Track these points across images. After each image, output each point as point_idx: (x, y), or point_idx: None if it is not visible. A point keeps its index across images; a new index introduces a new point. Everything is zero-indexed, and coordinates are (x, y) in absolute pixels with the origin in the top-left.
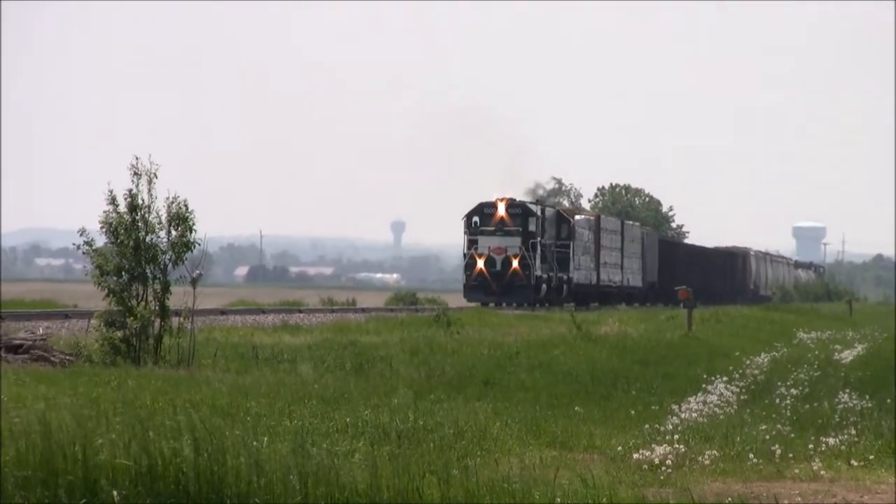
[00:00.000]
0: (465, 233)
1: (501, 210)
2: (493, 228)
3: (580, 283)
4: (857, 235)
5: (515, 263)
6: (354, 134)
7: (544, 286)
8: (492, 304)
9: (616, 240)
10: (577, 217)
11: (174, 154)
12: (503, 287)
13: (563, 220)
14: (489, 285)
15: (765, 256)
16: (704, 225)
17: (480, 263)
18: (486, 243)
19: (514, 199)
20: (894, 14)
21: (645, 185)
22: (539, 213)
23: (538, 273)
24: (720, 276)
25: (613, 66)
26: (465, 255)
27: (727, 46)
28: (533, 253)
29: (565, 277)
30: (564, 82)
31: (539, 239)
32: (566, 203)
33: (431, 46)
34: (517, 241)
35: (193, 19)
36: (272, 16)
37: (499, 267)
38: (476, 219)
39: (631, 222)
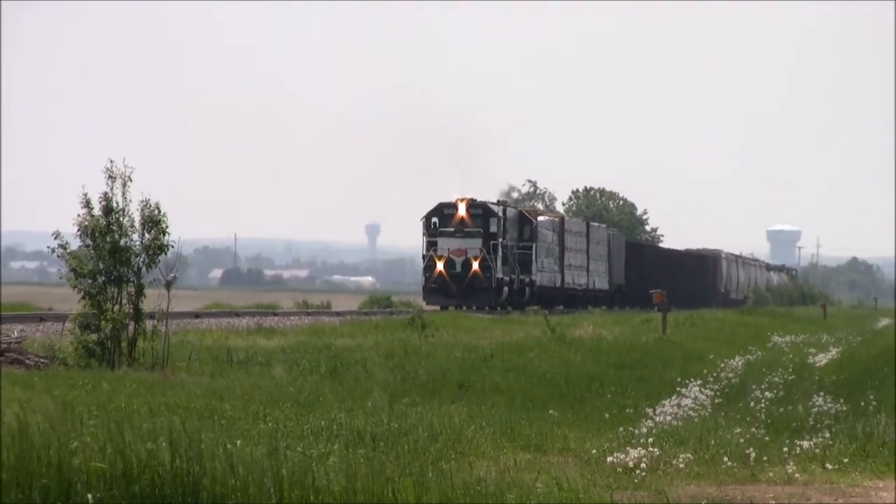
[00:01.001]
0: (423, 234)
1: (462, 210)
2: (452, 229)
3: (543, 286)
4: (831, 239)
5: (476, 265)
6: (328, 136)
7: (506, 289)
8: (452, 308)
9: (581, 241)
10: (540, 218)
11: (149, 157)
12: (463, 290)
13: (525, 220)
14: (449, 288)
15: (736, 259)
16: (679, 229)
17: (440, 265)
18: (446, 245)
19: (475, 200)
20: (869, 18)
21: (620, 188)
22: (500, 213)
23: (499, 275)
24: (690, 278)
25: (589, 70)
26: (424, 256)
27: (702, 51)
28: (494, 255)
29: (528, 280)
30: (540, 86)
31: (500, 240)
32: (540, 206)
33: (408, 50)
34: (478, 242)
35: (168, 23)
36: (245, 20)
37: (459, 269)
38: (435, 220)
39: (597, 224)
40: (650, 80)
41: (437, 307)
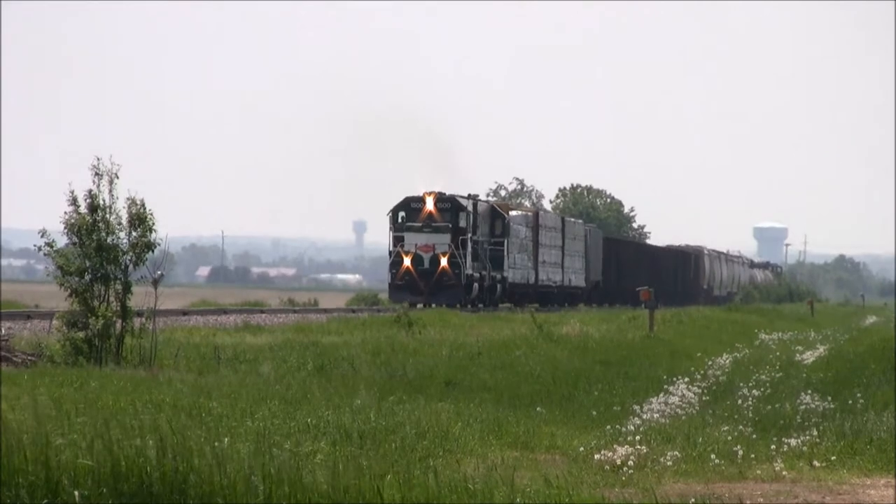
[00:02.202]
0: (390, 229)
1: (430, 204)
2: (420, 224)
3: (516, 283)
4: (818, 236)
5: (444, 262)
6: (316, 133)
7: (476, 286)
8: (420, 306)
9: (556, 237)
10: (512, 213)
11: (137, 154)
12: (431, 287)
13: (497, 215)
14: (416, 285)
15: (719, 256)
16: (666, 227)
17: (407, 261)
18: (413, 240)
19: (444, 193)
20: (857, 15)
21: (607, 187)
22: (470, 207)
23: (469, 272)
24: (672, 275)
25: (578, 68)
26: (390, 252)
27: (691, 50)
28: (463, 250)
29: (499, 277)
30: (528, 85)
31: (470, 235)
32: (528, 204)
33: (395, 49)
34: (446, 237)
35: (153, 19)
36: (232, 15)
37: (427, 265)
38: (402, 214)
39: (573, 219)
40: (640, 79)
41: (402, 304)
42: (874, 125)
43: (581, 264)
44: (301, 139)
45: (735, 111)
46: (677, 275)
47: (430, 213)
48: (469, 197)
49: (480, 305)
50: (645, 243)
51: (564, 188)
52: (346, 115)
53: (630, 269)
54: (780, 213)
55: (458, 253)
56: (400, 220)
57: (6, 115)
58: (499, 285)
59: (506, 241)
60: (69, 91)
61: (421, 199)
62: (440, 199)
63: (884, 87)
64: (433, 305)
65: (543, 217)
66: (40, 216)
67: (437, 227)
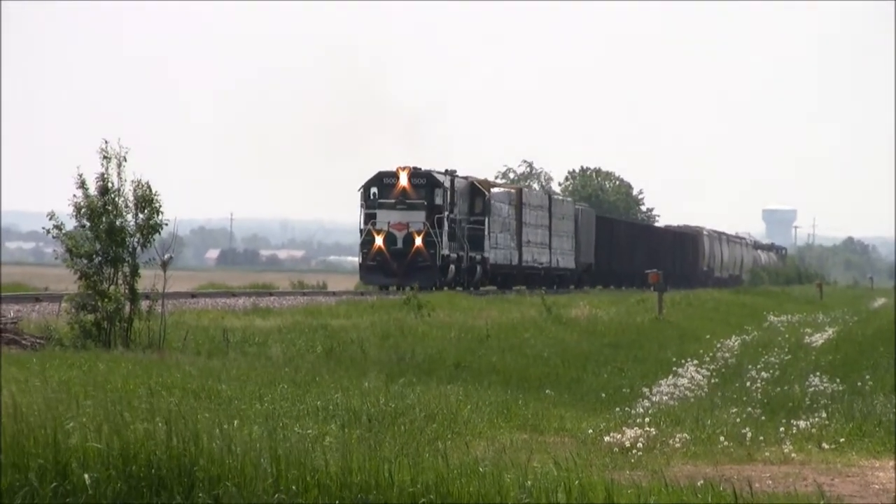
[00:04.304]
0: (361, 206)
1: (403, 180)
2: (393, 201)
3: (498, 264)
4: (827, 219)
5: (419, 241)
6: (323, 113)
7: (453, 267)
8: (393, 288)
9: (543, 216)
10: (494, 190)
11: (145, 137)
12: (405, 268)
13: (477, 192)
14: (389, 266)
15: (720, 237)
16: (675, 209)
17: (379, 241)
18: (386, 218)
19: (419, 168)
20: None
21: (616, 168)
22: (448, 184)
23: (445, 252)
24: (669, 257)
25: (591, 50)
26: (361, 231)
27: (700, 32)
28: (439, 229)
29: (479, 257)
30: (540, 67)
31: (447, 213)
32: (536, 186)
33: (402, 34)
34: (421, 215)
35: (161, 4)
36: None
37: (400, 245)
38: (374, 190)
39: (561, 197)
40: (649, 61)
41: (373, 286)
42: (885, 106)
43: (570, 245)
44: (311, 121)
45: (745, 93)
46: (675, 256)
47: (404, 188)
48: (446, 172)
49: (459, 288)
50: (641, 223)
51: (573, 171)
52: (354, 97)
53: (625, 250)
54: (789, 196)
55: (433, 232)
56: (372, 196)
57: (14, 98)
58: (478, 267)
59: (487, 220)
60: (77, 74)
61: (394, 175)
62: (415, 174)
63: (893, 66)
64: (407, 288)
65: (528, 195)
66: (49, 199)
67: (411, 203)
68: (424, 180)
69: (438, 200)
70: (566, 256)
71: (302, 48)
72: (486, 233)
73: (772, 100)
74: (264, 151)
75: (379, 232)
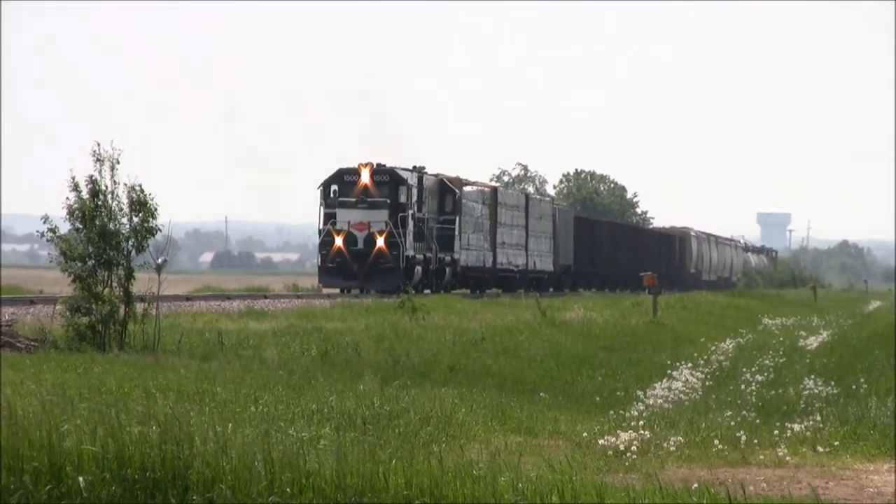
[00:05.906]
0: (320, 204)
1: (365, 177)
2: (354, 199)
3: (470, 266)
4: (822, 222)
5: (380, 241)
6: (319, 116)
7: (418, 269)
8: (355, 291)
9: (518, 216)
10: (466, 188)
11: (139, 140)
12: (366, 270)
13: (447, 190)
14: (349, 268)
15: (708, 238)
16: (669, 212)
17: (339, 241)
18: (346, 217)
19: (383, 165)
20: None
21: (611, 172)
22: (413, 181)
23: (410, 253)
24: (654, 259)
25: (583, 52)
26: (320, 231)
27: (696, 35)
28: (403, 229)
29: (449, 259)
30: (535, 69)
31: (412, 212)
32: (531, 189)
33: (390, 35)
34: (383, 214)
35: (155, 5)
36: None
37: (361, 246)
38: (335, 187)
39: (538, 196)
40: (645, 64)
41: (333, 289)
42: (880, 109)
43: (548, 246)
44: (304, 124)
45: (739, 97)
46: (661, 258)
47: (366, 186)
48: (414, 169)
49: (427, 291)
50: (624, 224)
51: (568, 174)
52: (353, 104)
53: (606, 252)
54: (784, 199)
55: (396, 232)
56: (332, 194)
57: (9, 101)
58: (448, 269)
59: (457, 220)
60: (71, 76)
61: (355, 171)
62: (377, 170)
63: (891, 70)
64: (369, 292)
65: (503, 194)
66: (44, 202)
67: (372, 202)
68: (387, 177)
69: (403, 198)
70: (543, 258)
71: (301, 49)
72: (457, 233)
73: (767, 103)
74: (259, 154)
75: (339, 232)
